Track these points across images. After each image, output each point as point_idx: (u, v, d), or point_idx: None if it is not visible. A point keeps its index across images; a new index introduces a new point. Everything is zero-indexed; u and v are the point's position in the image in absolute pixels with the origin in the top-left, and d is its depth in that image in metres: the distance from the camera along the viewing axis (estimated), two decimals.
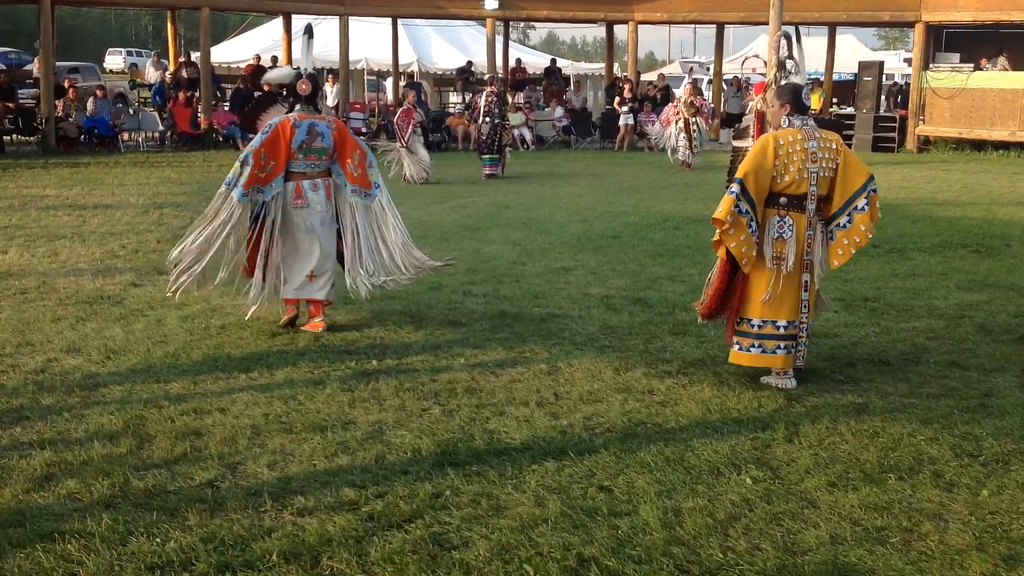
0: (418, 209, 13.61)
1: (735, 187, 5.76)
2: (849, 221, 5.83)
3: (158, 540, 3.88)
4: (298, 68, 7.29)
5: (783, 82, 8.41)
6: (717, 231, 5.84)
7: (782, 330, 5.85)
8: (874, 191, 5.87)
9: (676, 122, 19.52)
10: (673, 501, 4.28)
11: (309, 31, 7.64)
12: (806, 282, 5.88)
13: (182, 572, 3.67)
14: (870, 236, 5.89)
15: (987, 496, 4.35)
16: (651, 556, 3.79)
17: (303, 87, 7.01)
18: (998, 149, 23.16)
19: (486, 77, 21.78)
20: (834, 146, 5.83)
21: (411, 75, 31.07)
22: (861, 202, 5.82)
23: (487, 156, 18.13)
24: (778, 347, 5.85)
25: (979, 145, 23.58)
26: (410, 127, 16.74)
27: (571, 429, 5.17)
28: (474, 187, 16.74)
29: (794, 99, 5.91)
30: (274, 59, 25.77)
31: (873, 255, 10.12)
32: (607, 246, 10.75)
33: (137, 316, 7.41)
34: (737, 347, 5.96)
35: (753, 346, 5.90)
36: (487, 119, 17.97)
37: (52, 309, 7.58)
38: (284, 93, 7.10)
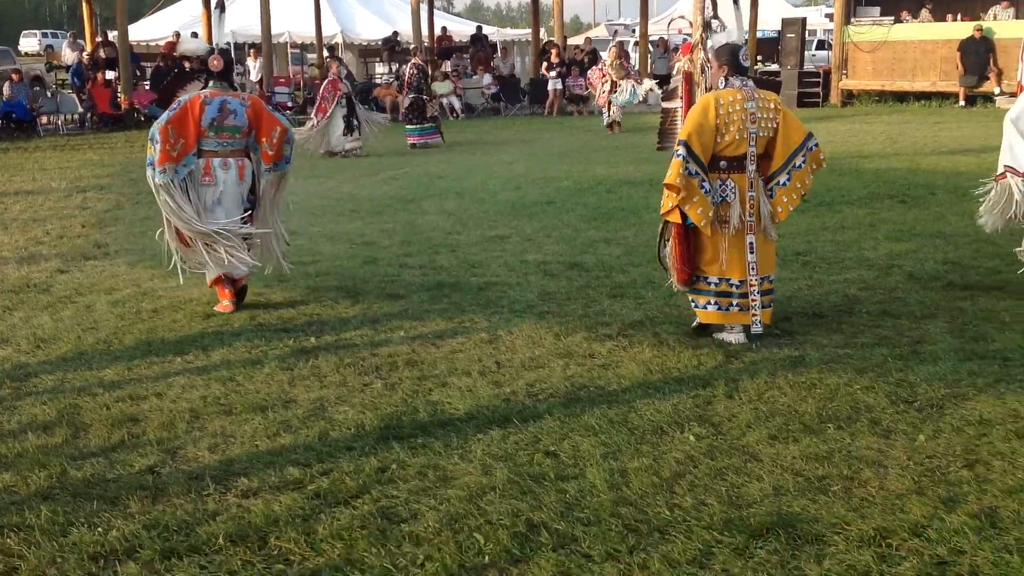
0: (349, 182, 13.49)
1: (681, 149, 5.76)
2: (788, 179, 5.89)
3: (100, 530, 3.81)
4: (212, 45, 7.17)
5: (709, 42, 8.44)
6: (666, 200, 5.85)
7: (735, 288, 5.92)
8: (814, 147, 5.94)
9: (602, 84, 19.52)
10: (619, 462, 4.31)
11: (221, 5, 7.53)
12: (751, 243, 5.89)
13: (126, 560, 3.60)
14: (804, 192, 5.99)
15: (924, 441, 4.44)
16: (599, 517, 3.81)
17: (214, 63, 6.81)
18: (920, 100, 23.57)
19: (411, 48, 21.69)
20: (772, 106, 5.86)
21: (332, 48, 30.69)
22: (799, 160, 5.88)
23: (410, 127, 18.17)
24: (731, 304, 5.93)
25: (901, 97, 24.00)
26: (335, 99, 16.53)
27: (514, 396, 5.17)
28: (405, 158, 16.62)
29: (732, 60, 5.91)
30: (194, 35, 25.26)
31: (803, 209, 10.21)
32: (541, 212, 10.74)
33: (65, 303, 7.25)
34: (694, 304, 6.04)
35: (710, 304, 5.98)
36: (409, 92, 18.05)
37: None
38: (200, 69, 6.92)
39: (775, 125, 5.86)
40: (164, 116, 6.70)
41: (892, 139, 17.01)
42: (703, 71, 12.75)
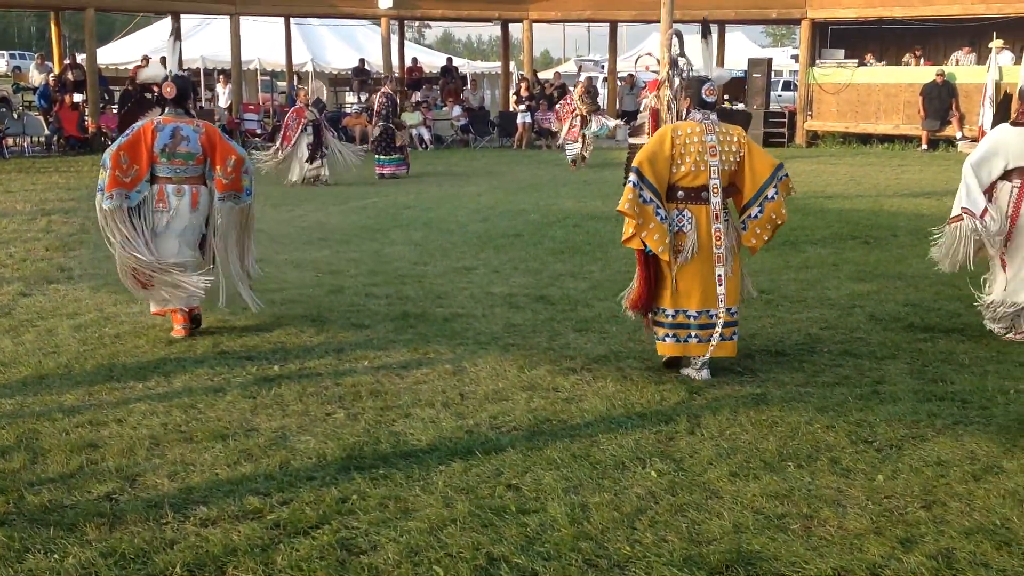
0: (317, 211, 13.47)
1: (633, 176, 5.84)
2: (760, 211, 5.94)
3: (56, 556, 3.77)
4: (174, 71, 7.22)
5: (676, 79, 8.57)
6: (626, 227, 5.89)
7: (693, 320, 5.95)
8: (784, 177, 5.98)
9: (572, 118, 19.58)
10: (580, 496, 4.32)
11: (176, 32, 7.70)
12: (719, 276, 5.93)
13: None
14: (780, 222, 6.00)
15: (882, 481, 4.48)
16: (560, 552, 3.81)
17: (167, 90, 6.83)
18: (883, 142, 23.90)
19: (381, 77, 21.73)
20: (736, 139, 5.96)
21: (304, 75, 30.77)
22: (771, 191, 5.93)
23: (380, 156, 18.16)
24: (690, 335, 5.96)
25: (865, 139, 24.32)
26: (300, 127, 16.55)
27: (477, 428, 5.17)
28: (373, 188, 16.63)
29: (695, 94, 6.05)
30: (162, 60, 25.21)
31: (767, 248, 10.26)
32: (509, 244, 10.78)
33: (27, 327, 7.17)
34: (667, 339, 6.04)
35: (668, 336, 6.02)
36: (379, 121, 18.06)
37: None
38: (154, 95, 7.00)
39: (739, 159, 5.94)
40: (116, 142, 6.80)
41: (856, 180, 17.23)
42: (669, 108, 12.90)
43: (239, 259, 7.08)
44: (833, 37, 26.12)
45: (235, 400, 5.59)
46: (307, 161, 16.62)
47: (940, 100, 22.48)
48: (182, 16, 25.53)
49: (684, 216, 5.91)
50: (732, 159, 5.93)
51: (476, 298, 8.14)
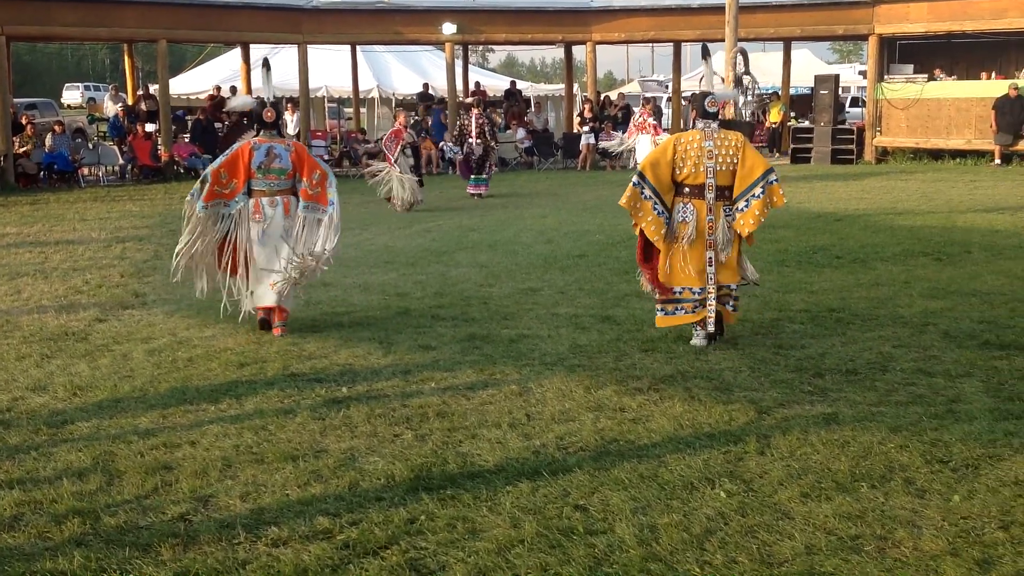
0: (384, 234, 13.60)
1: (636, 178, 7.08)
2: (747, 205, 7.01)
3: None
4: (260, 98, 8.00)
5: (740, 97, 8.85)
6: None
7: (696, 295, 7.10)
8: (773, 182, 7.00)
9: (641, 132, 19.74)
10: (648, 517, 4.29)
11: (267, 64, 8.44)
12: (710, 258, 7.05)
13: None
14: (762, 218, 7.01)
15: (959, 501, 4.39)
16: (628, 573, 3.79)
17: (268, 115, 7.80)
18: (955, 157, 23.48)
19: (468, 100, 21.83)
20: (733, 143, 7.03)
21: (372, 100, 31.14)
22: (757, 190, 6.99)
23: (475, 176, 18.41)
24: (696, 306, 7.10)
25: (936, 154, 23.91)
26: (397, 148, 16.59)
27: (544, 449, 5.16)
28: (439, 211, 16.73)
29: (699, 106, 7.20)
30: (233, 89, 25.73)
31: (836, 266, 10.23)
32: (573, 265, 10.78)
33: (103, 351, 7.34)
34: (662, 313, 7.22)
35: (677, 309, 7.17)
36: (478, 140, 18.18)
37: (16, 347, 7.48)
38: (249, 120, 7.72)
39: (735, 160, 7.01)
40: (218, 160, 7.84)
41: (927, 196, 16.95)
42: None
43: (317, 244, 7.63)
44: (902, 52, 25.75)
45: (305, 422, 5.66)
46: (419, 184, 16.73)
47: (1013, 114, 22.05)
48: (251, 46, 26.07)
49: (687, 209, 7.06)
50: (729, 160, 6.99)
51: (542, 319, 8.15)
